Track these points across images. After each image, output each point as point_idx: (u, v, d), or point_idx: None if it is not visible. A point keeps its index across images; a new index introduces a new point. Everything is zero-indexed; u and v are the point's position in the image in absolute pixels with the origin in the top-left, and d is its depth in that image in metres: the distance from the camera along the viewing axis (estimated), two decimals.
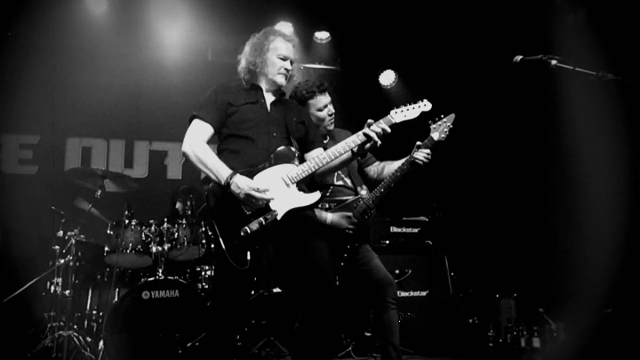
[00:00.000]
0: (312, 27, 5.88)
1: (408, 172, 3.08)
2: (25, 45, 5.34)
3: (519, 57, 2.73)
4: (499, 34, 5.15)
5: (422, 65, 5.84)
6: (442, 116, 3.06)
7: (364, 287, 3.14)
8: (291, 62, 2.71)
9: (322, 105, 3.16)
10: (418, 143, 3.07)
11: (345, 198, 3.15)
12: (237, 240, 2.37)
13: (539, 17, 4.87)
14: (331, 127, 3.22)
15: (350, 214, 3.07)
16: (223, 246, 2.40)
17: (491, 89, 5.44)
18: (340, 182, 3.22)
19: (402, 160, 3.12)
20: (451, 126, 3.07)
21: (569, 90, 4.29)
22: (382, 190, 3.10)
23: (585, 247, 4.34)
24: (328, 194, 3.15)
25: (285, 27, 5.49)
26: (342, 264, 3.06)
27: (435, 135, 3.06)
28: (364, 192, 3.19)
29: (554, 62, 2.61)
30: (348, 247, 3.08)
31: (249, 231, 2.34)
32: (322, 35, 6.01)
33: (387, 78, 6.32)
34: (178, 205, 5.02)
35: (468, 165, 5.68)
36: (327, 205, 3.11)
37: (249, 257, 2.40)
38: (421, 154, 3.04)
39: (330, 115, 3.19)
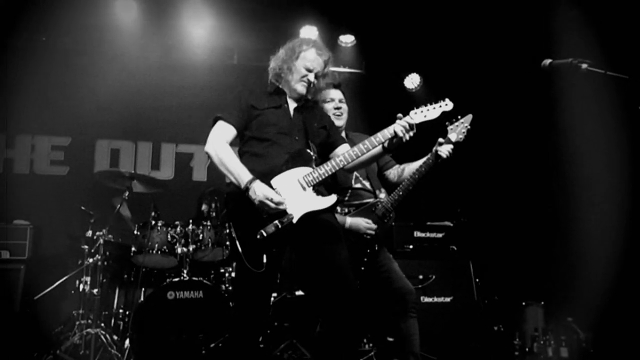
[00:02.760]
0: (337, 31, 5.89)
1: (426, 173, 3.03)
2: (58, 49, 5.52)
3: (547, 61, 2.65)
4: (523, 37, 5.06)
5: (448, 68, 5.78)
6: (459, 117, 2.96)
7: (384, 294, 3.11)
8: (316, 76, 2.71)
9: (329, 97, 3.20)
10: (440, 140, 3.00)
11: (364, 201, 3.13)
12: (253, 242, 2.38)
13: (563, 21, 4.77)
14: (338, 123, 3.16)
15: (368, 219, 3.04)
16: (239, 248, 2.43)
17: (517, 92, 5.34)
18: (359, 185, 3.20)
19: (421, 162, 3.06)
20: (469, 127, 2.98)
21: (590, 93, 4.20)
22: (401, 193, 3.06)
23: (615, 256, 4.22)
24: (347, 197, 3.14)
25: (310, 30, 5.53)
26: (362, 268, 3.04)
27: (452, 137, 2.97)
28: (382, 195, 3.16)
29: (584, 65, 2.52)
30: (368, 251, 3.06)
31: (264, 234, 2.35)
32: (347, 39, 6.00)
33: (412, 81, 6.28)
34: (204, 207, 5.07)
35: (494, 169, 5.58)
36: (345, 210, 3.09)
37: (265, 260, 2.41)
38: (445, 148, 2.96)
39: (336, 108, 3.19)
